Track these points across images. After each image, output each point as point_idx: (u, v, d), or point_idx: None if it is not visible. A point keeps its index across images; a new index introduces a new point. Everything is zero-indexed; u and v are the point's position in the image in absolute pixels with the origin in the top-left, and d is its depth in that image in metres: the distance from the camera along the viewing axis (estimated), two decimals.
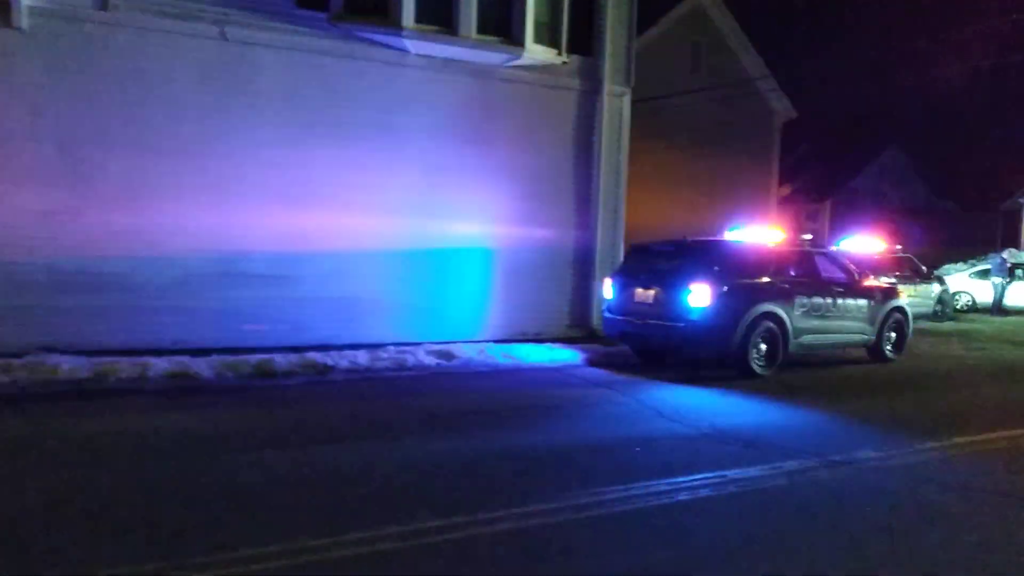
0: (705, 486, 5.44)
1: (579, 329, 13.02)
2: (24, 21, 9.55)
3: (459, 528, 4.50)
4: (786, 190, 40.34)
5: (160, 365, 8.93)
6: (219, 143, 10.63)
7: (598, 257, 13.02)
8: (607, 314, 11.31)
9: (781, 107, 24.93)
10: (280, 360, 9.49)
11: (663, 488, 5.34)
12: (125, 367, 8.75)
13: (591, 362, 11.21)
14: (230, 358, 9.44)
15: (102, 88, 10.00)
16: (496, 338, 12.22)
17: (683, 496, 5.22)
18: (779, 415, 8.20)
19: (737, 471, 5.82)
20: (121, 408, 7.65)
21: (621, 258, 12.79)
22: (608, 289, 11.27)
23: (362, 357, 10.00)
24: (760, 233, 12.43)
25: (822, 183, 44.27)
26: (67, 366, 8.59)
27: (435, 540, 4.32)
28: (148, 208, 10.25)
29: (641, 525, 4.68)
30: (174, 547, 4.14)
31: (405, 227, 11.83)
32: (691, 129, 21.91)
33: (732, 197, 23.08)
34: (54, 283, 9.83)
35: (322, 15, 11.06)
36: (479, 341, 11.94)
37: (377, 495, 5.14)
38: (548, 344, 12.01)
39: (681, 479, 5.55)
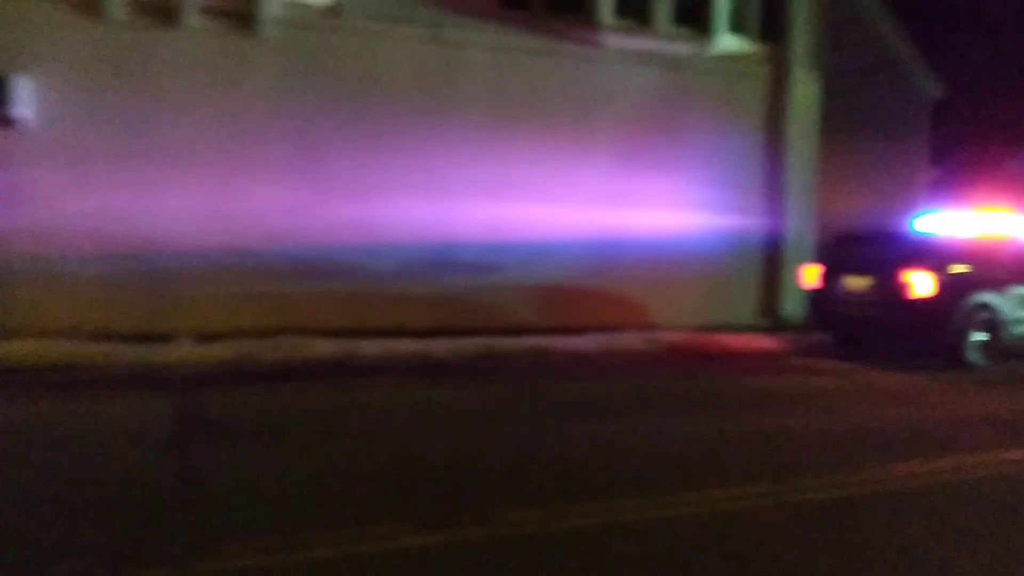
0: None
1: (768, 318, 13.04)
2: (266, 31, 10.44)
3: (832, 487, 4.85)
4: (936, 172, 38.36)
5: (402, 345, 9.64)
6: (434, 140, 11.27)
7: (788, 246, 12.99)
8: (812, 302, 11.31)
9: (930, 86, 23.77)
10: (501, 343, 10.03)
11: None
12: (369, 347, 9.50)
13: (795, 350, 11.23)
14: (456, 340, 10.05)
15: (333, 90, 10.81)
16: (686, 325, 12.41)
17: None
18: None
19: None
20: (391, 382, 8.29)
21: (812, 246, 12.73)
22: (811, 277, 11.26)
23: (573, 341, 10.42)
24: (973, 216, 12.03)
25: (976, 165, 41.80)
26: (322, 346, 9.39)
27: (809, 498, 4.64)
28: (373, 201, 11.02)
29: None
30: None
31: (598, 216, 12.19)
32: (840, 111, 21.24)
33: (883, 180, 22.28)
34: (289, 270, 10.74)
35: (526, 14, 11.53)
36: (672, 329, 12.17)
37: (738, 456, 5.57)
38: (739, 332, 12.10)
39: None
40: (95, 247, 9.95)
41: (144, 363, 8.86)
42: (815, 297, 11.28)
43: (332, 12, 10.71)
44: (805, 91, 13.12)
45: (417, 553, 3.80)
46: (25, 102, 9.62)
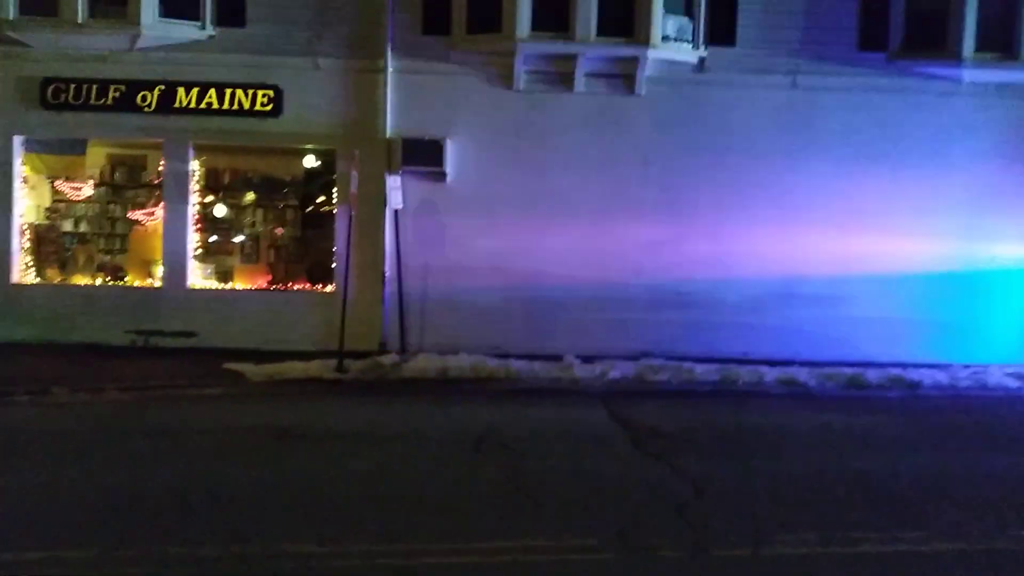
0: None
1: None
2: (642, 89, 11.81)
3: None
4: None
5: (771, 373, 10.61)
6: (786, 179, 12.00)
7: None
8: None
9: None
10: (870, 375, 10.60)
11: None
12: (743, 373, 10.57)
13: None
14: (824, 370, 10.80)
15: (696, 138, 11.93)
16: None
17: None
18: None
19: None
20: (791, 406, 9.47)
21: None
22: None
23: (940, 375, 10.72)
24: None
25: None
26: (699, 370, 10.63)
27: None
28: (727, 237, 12.01)
29: None
30: None
31: (948, 249, 12.19)
32: None
33: None
34: (652, 300, 12.03)
35: (881, 55, 11.87)
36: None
37: None
38: None
39: None
40: (495, 279, 11.90)
41: (547, 378, 10.61)
42: None
43: (699, 67, 11.85)
44: None
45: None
46: (449, 161, 11.78)
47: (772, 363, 11.29)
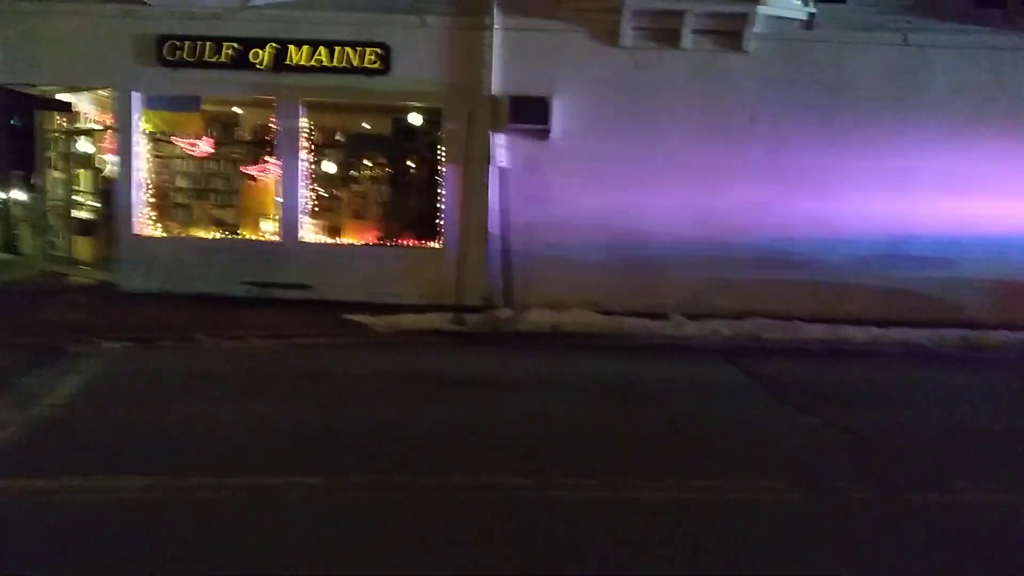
0: None
1: None
2: (750, 45, 11.74)
3: None
4: None
5: (884, 333, 10.79)
6: (895, 139, 11.89)
7: None
8: None
9: None
10: (983, 336, 10.64)
11: None
12: (856, 332, 10.77)
13: None
14: (938, 331, 10.87)
15: (803, 96, 11.87)
16: None
17: None
18: None
19: None
20: (899, 364, 9.65)
21: None
22: None
23: None
24: None
25: None
26: (811, 329, 10.79)
27: None
28: (833, 197, 11.97)
29: None
30: None
31: None
32: None
33: None
34: (757, 259, 12.07)
35: (998, 11, 11.65)
36: None
37: None
38: None
39: None
40: (599, 237, 12.04)
41: (660, 335, 10.79)
42: None
43: (807, 25, 11.73)
44: None
45: None
46: (554, 118, 11.86)
47: (879, 324, 11.33)
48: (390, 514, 4.56)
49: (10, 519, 4.39)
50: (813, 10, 11.67)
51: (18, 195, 17.49)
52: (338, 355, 9.03)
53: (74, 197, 14.07)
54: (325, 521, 4.41)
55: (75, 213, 14.07)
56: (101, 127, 13.56)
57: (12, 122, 17.45)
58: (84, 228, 14.08)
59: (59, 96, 13.55)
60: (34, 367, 7.54)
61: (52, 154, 14.27)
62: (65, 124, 14.01)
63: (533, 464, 5.42)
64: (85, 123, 13.88)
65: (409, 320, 10.76)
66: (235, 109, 12.78)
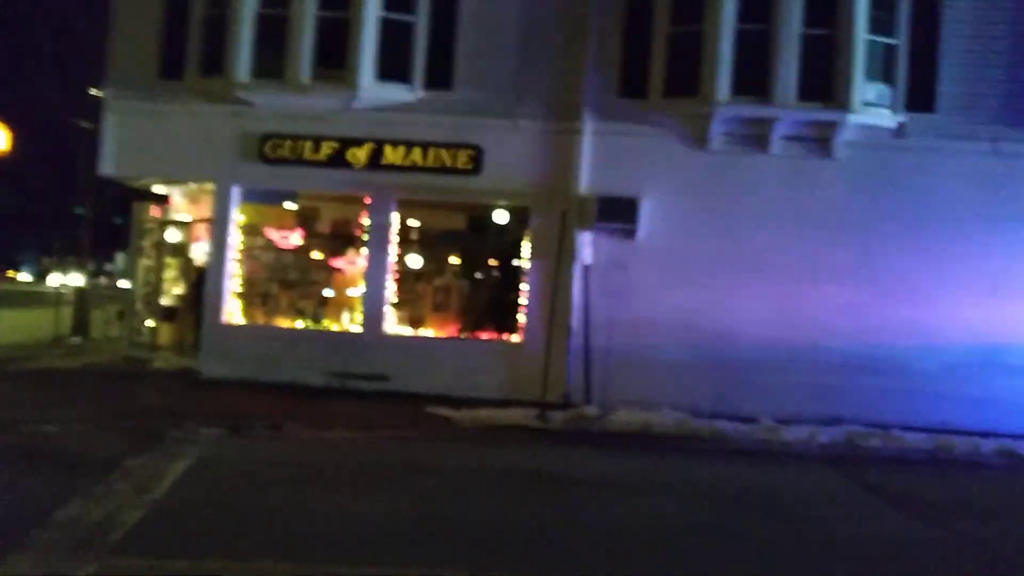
0: None
1: None
2: (839, 152, 11.85)
3: None
4: None
5: (984, 443, 10.36)
6: (985, 245, 11.75)
7: None
8: None
9: None
10: None
11: None
12: (957, 442, 10.35)
13: None
14: None
15: (894, 202, 11.85)
16: None
17: None
18: None
19: None
20: (1008, 476, 9.17)
21: None
22: None
23: None
24: None
25: None
26: (909, 438, 10.47)
27: None
28: (924, 303, 11.77)
29: None
30: None
31: None
32: None
33: None
34: (846, 364, 11.79)
35: None
36: None
37: None
38: None
39: None
40: (683, 337, 11.91)
41: (754, 439, 10.50)
42: None
43: (898, 133, 11.84)
44: None
45: None
46: (641, 218, 11.99)
47: (973, 433, 10.89)
48: None
49: None
50: (902, 118, 11.79)
51: (94, 281, 18.09)
52: (429, 449, 8.92)
53: (161, 285, 14.48)
54: None
55: (161, 300, 14.45)
56: (191, 218, 14.08)
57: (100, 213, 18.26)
58: (168, 314, 14.42)
59: (155, 188, 14.18)
60: (140, 451, 7.56)
61: (145, 243, 14.80)
62: (159, 215, 14.58)
63: (650, 569, 5.19)
64: (175, 214, 14.44)
65: (492, 415, 10.66)
66: (326, 204, 13.17)
